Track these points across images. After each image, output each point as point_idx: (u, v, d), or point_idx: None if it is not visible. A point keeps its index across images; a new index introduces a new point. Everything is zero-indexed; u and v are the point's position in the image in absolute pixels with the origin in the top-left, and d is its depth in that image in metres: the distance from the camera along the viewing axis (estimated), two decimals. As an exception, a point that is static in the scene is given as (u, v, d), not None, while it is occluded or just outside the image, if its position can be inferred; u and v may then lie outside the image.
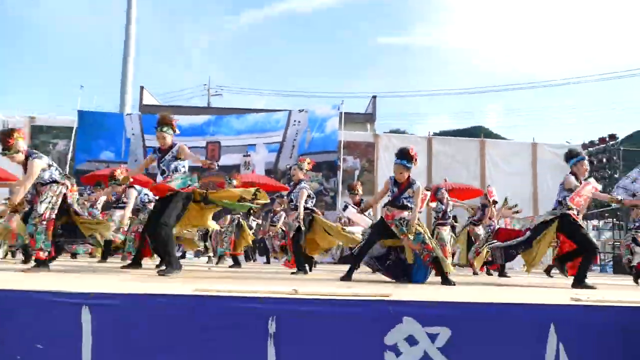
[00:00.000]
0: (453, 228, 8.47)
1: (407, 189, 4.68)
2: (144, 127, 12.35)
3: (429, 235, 4.75)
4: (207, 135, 12.18)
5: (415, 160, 4.69)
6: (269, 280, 4.39)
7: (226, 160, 11.95)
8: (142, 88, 18.57)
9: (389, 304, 2.41)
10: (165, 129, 4.67)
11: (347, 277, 4.57)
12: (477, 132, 22.15)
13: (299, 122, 12.32)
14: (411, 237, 4.52)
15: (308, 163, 6.03)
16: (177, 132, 4.85)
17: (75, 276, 4.00)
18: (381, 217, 4.84)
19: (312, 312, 2.34)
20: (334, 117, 12.27)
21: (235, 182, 7.68)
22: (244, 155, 12.27)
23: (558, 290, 4.17)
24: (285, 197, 6.74)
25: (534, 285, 5.02)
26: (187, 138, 10.69)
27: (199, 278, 4.29)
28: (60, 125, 12.99)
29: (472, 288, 4.34)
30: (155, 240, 4.58)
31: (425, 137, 13.49)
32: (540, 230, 4.93)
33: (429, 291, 3.69)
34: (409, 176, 4.70)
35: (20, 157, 4.44)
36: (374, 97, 19.76)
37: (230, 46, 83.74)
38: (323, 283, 4.30)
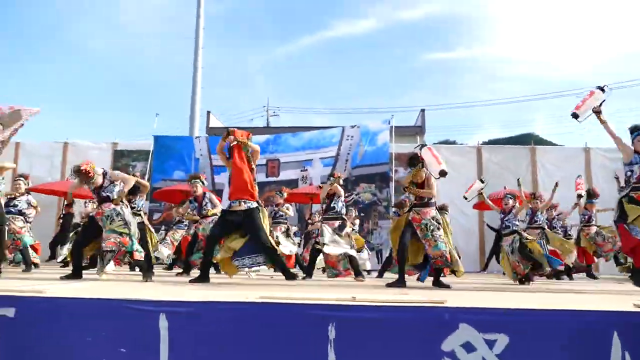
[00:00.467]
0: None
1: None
2: (211, 148, 12.78)
3: (448, 239, 4.77)
4: (267, 153, 12.42)
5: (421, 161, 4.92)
6: (328, 288, 4.37)
7: (285, 175, 12.13)
8: (208, 113, 19.30)
9: (446, 310, 2.33)
10: None
11: (400, 283, 4.53)
12: (527, 140, 21.23)
13: (352, 137, 12.33)
14: (432, 244, 4.52)
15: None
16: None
17: (151, 285, 4.17)
18: (408, 219, 4.76)
19: (370, 318, 2.30)
20: (384, 130, 12.21)
21: (285, 195, 8.04)
22: (301, 170, 12.41)
23: (620, 297, 3.87)
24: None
25: (594, 292, 4.70)
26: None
27: (263, 286, 4.35)
28: (139, 149, 13.70)
29: (530, 294, 4.13)
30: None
31: (475, 147, 13.08)
32: None
33: (485, 297, 3.54)
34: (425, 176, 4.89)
35: (99, 179, 4.77)
36: (423, 110, 19.49)
37: (286, 69, 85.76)
38: (380, 290, 4.23)
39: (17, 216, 6.91)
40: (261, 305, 2.42)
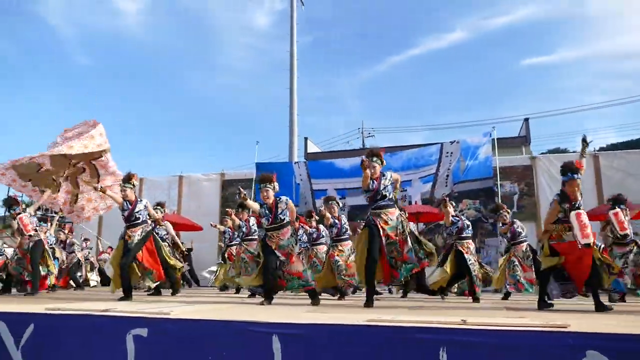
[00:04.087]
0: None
1: None
2: (310, 172, 13.20)
3: None
4: (367, 174, 12.50)
5: None
6: (434, 310, 4.24)
7: (384, 196, 12.09)
8: (306, 139, 20.02)
9: (570, 335, 2.15)
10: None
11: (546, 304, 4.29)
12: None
13: (451, 153, 11.95)
14: None
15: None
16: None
17: (263, 308, 4.36)
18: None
19: (483, 343, 2.20)
20: (486, 144, 11.64)
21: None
22: (401, 191, 12.26)
23: None
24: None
25: None
26: (350, 179, 11.03)
27: (367, 309, 4.34)
28: (244, 178, 14.57)
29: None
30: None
31: (591, 154, 11.95)
32: None
33: (613, 321, 3.19)
34: None
35: (271, 194, 5.21)
36: (527, 119, 18.33)
37: (378, 90, 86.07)
38: (490, 312, 4.01)
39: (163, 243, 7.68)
40: (370, 329, 2.44)
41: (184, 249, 9.38)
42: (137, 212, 5.91)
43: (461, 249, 6.47)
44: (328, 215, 6.87)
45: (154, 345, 2.78)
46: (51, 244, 8.62)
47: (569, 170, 4.38)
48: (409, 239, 4.85)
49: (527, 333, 2.24)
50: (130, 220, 5.88)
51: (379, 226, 4.78)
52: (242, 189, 5.41)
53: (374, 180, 4.96)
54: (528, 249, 7.38)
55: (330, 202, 7.13)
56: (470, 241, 6.66)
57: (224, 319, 2.83)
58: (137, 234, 5.89)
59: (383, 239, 4.75)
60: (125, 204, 5.90)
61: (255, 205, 5.39)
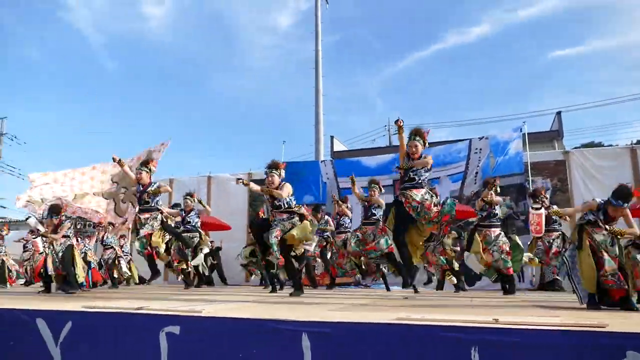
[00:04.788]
0: None
1: None
2: (337, 171, 13.18)
3: None
4: (392, 173, 12.41)
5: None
6: (463, 308, 4.18)
7: (413, 194, 11.97)
8: (332, 137, 20.02)
9: (609, 335, 2.08)
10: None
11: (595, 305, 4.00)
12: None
13: (480, 149, 11.72)
14: None
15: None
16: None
17: (292, 306, 4.39)
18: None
19: (517, 343, 2.16)
20: (516, 139, 11.38)
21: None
22: (430, 189, 12.12)
23: None
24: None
25: None
26: (377, 177, 10.95)
27: (398, 307, 4.31)
28: (271, 177, 14.66)
29: None
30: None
31: (627, 147, 11.52)
32: None
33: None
34: None
35: (277, 180, 5.49)
36: (559, 113, 17.84)
37: (403, 87, 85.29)
38: (523, 311, 3.92)
39: (195, 233, 7.81)
40: (399, 327, 2.42)
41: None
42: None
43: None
44: (374, 198, 7.10)
45: (186, 343, 2.83)
46: (84, 250, 8.94)
47: (623, 198, 3.94)
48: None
49: (563, 333, 2.18)
50: (140, 204, 6.00)
51: (405, 204, 4.89)
52: (240, 178, 5.53)
53: (411, 159, 5.02)
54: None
55: (372, 185, 7.23)
56: (493, 229, 6.76)
57: (254, 317, 2.86)
58: (147, 219, 5.98)
59: (412, 214, 4.85)
60: (138, 186, 6.03)
61: (256, 187, 5.53)
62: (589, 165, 10.82)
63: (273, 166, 5.46)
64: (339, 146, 20.74)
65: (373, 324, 2.52)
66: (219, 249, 12.07)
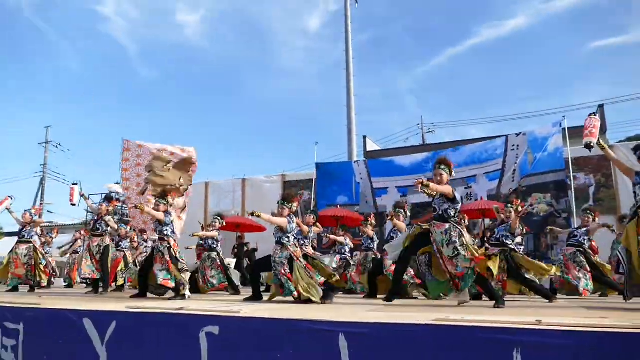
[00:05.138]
0: None
1: None
2: (370, 171, 13.12)
3: None
4: (427, 171, 12.24)
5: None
6: (506, 310, 4.08)
7: (448, 193, 11.78)
8: (364, 137, 19.93)
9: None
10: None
11: None
12: None
13: (518, 146, 11.40)
14: None
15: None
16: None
17: (329, 306, 4.40)
18: None
19: (561, 345, 2.09)
20: (556, 134, 10.99)
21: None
22: (465, 188, 11.88)
23: None
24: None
25: None
26: (410, 177, 10.86)
27: (435, 307, 4.26)
28: (304, 179, 14.75)
29: None
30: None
31: (678, 140, 10.96)
32: None
33: None
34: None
35: (285, 213, 5.28)
36: (601, 106, 17.13)
37: (436, 85, 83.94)
38: (567, 312, 3.79)
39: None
40: (438, 328, 2.39)
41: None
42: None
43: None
44: (397, 222, 6.78)
45: (225, 343, 2.89)
46: (123, 248, 9.26)
47: None
48: (457, 257, 4.47)
49: (613, 335, 2.10)
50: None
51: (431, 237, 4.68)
52: (253, 212, 5.33)
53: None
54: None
55: (397, 210, 7.00)
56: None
57: (291, 318, 2.89)
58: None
59: (434, 246, 4.65)
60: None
61: (267, 216, 5.34)
62: (634, 159, 10.35)
63: (286, 199, 5.41)
64: (372, 146, 20.62)
65: (411, 324, 2.50)
66: (254, 250, 12.23)
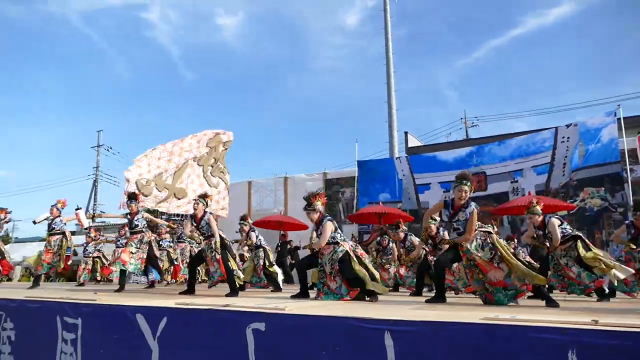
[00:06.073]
0: None
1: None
2: (412, 167, 12.95)
3: None
4: (471, 166, 11.93)
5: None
6: (558, 309, 3.92)
7: (493, 188, 11.44)
8: (406, 133, 19.68)
9: None
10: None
11: None
12: None
13: (568, 138, 10.93)
14: None
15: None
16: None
17: (373, 304, 4.38)
18: None
19: (620, 346, 1.99)
20: (610, 124, 10.45)
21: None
22: (511, 182, 11.50)
23: None
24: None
25: None
26: (454, 172, 10.63)
27: (483, 306, 4.15)
28: (346, 176, 14.74)
29: None
30: None
31: None
32: None
33: None
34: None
35: (315, 216, 5.24)
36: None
37: (478, 78, 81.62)
38: (625, 312, 3.60)
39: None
40: (487, 327, 2.33)
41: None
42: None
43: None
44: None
45: (271, 339, 2.93)
46: (165, 247, 9.55)
47: None
48: (502, 263, 4.38)
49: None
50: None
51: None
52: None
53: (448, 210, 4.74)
54: None
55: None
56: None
57: (336, 315, 2.89)
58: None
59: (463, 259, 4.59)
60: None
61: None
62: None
63: (307, 200, 5.41)
64: (413, 142, 20.34)
65: (458, 323, 2.44)
66: (297, 248, 12.34)
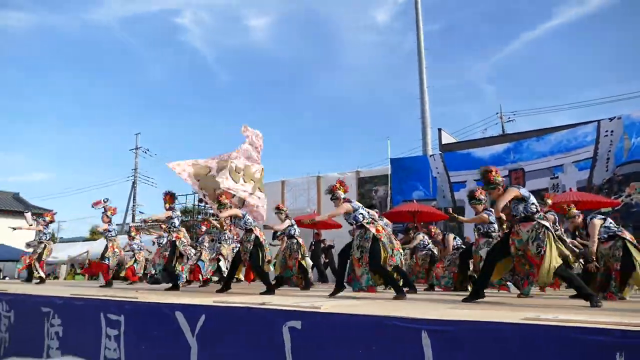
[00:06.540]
0: None
1: None
2: (447, 165, 12.73)
3: None
4: (508, 163, 11.64)
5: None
6: (600, 310, 3.78)
7: (532, 185, 11.08)
8: (439, 130, 19.35)
9: None
10: None
11: None
12: None
13: (612, 131, 10.49)
14: None
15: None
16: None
17: (408, 302, 4.34)
18: None
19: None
20: (657, 116, 10.00)
21: (549, 202, 7.31)
22: (551, 178, 11.14)
23: None
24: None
25: None
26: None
27: (524, 306, 4.04)
28: (379, 175, 14.65)
29: None
30: None
31: None
32: None
33: None
34: None
35: (340, 203, 5.41)
36: None
37: (514, 72, 79.30)
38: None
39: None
40: (528, 327, 2.27)
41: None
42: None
43: None
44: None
45: (307, 337, 2.95)
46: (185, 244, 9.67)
47: None
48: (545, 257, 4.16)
49: None
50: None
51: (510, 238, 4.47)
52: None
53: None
54: None
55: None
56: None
57: (372, 314, 2.88)
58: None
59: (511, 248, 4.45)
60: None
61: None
62: None
63: (329, 191, 5.64)
64: (447, 138, 19.98)
65: (498, 323, 2.39)
66: (331, 247, 12.36)
